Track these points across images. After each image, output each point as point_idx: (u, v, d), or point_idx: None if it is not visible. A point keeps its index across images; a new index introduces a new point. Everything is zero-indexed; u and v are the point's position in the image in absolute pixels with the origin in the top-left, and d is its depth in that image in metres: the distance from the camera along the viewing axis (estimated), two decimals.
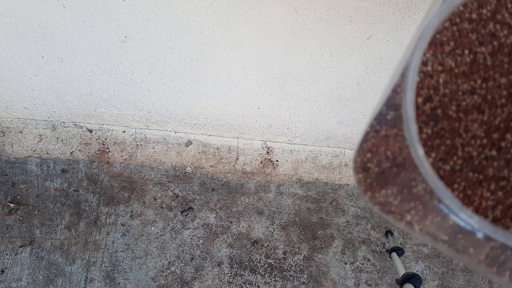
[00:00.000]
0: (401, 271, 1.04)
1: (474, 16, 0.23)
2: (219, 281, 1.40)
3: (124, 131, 1.44)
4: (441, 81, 0.24)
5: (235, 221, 1.45)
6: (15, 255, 1.36)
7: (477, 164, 0.24)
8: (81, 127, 1.43)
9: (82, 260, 1.38)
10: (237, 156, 1.47)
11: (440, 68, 0.24)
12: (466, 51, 0.24)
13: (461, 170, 0.25)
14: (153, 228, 1.42)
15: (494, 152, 0.24)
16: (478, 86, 0.24)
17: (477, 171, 0.25)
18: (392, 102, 0.25)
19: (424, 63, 0.24)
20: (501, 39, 0.23)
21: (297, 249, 1.45)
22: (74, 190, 1.41)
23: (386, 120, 0.25)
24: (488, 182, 0.25)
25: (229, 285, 1.40)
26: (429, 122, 0.24)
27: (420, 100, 0.24)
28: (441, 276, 1.48)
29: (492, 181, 0.24)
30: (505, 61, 0.23)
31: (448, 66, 0.24)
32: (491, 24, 0.23)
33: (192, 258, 1.41)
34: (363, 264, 1.46)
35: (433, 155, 0.25)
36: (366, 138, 0.26)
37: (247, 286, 1.40)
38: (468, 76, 0.24)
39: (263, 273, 1.42)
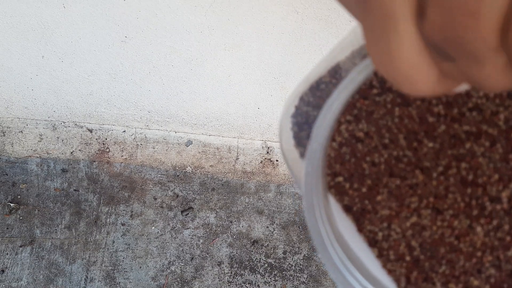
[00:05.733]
0: None
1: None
2: (219, 280, 1.40)
3: (124, 131, 1.45)
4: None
5: (235, 221, 1.45)
6: (15, 255, 1.36)
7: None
8: (81, 127, 1.43)
9: (82, 260, 1.38)
10: (237, 156, 1.48)
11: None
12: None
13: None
14: (153, 227, 1.42)
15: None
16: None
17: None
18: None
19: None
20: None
21: (297, 248, 1.46)
22: (74, 190, 1.42)
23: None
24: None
25: (229, 285, 1.40)
26: None
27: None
28: None
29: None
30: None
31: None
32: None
33: (192, 258, 1.41)
34: None
35: None
36: None
37: (247, 285, 1.41)
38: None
39: (263, 272, 1.42)
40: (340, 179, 0.24)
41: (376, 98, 0.22)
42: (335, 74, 0.24)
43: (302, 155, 0.24)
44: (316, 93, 0.24)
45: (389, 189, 0.22)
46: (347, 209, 0.23)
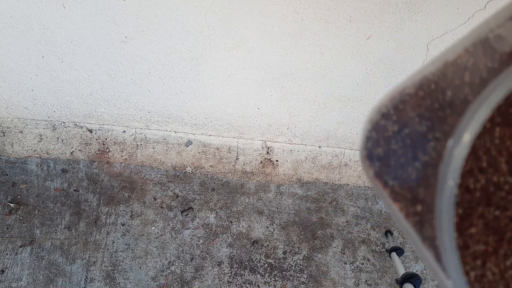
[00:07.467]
0: (401, 271, 1.04)
1: None
2: (219, 280, 1.40)
3: (124, 131, 1.44)
4: None
5: (235, 221, 1.45)
6: (15, 255, 1.36)
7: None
8: (81, 127, 1.43)
9: (82, 260, 1.38)
10: (237, 156, 1.48)
11: None
12: None
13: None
14: (153, 228, 1.42)
15: None
16: None
17: None
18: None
19: None
20: None
21: (297, 249, 1.46)
22: (74, 190, 1.41)
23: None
24: None
25: (229, 285, 1.40)
26: None
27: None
28: None
29: None
30: None
31: None
32: None
33: (192, 258, 1.41)
34: (363, 264, 1.46)
35: None
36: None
37: (247, 285, 1.41)
38: None
39: (263, 272, 1.42)
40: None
41: None
42: (422, 87, 0.21)
43: (376, 175, 0.21)
44: (398, 105, 0.22)
45: (486, 221, 0.19)
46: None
